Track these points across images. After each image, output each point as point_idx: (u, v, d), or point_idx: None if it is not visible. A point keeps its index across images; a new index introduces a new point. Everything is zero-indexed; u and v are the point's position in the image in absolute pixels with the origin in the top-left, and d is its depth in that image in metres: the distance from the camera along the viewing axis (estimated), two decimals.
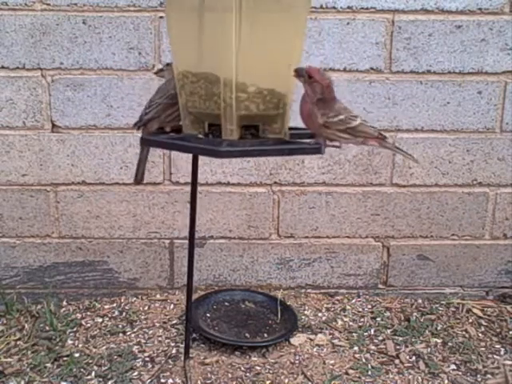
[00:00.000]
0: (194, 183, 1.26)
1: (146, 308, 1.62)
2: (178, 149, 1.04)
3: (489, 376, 1.35)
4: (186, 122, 1.02)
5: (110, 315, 1.58)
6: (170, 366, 1.36)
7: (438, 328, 1.54)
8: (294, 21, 0.99)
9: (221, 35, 0.92)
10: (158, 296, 1.67)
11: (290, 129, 1.07)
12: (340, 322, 1.56)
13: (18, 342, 1.45)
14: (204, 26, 0.95)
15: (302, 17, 1.01)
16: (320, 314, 1.60)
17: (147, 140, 1.07)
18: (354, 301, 1.68)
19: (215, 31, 0.93)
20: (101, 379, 1.31)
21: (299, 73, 0.98)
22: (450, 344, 1.47)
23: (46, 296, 1.61)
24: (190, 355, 1.37)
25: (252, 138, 0.99)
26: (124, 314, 1.59)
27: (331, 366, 1.37)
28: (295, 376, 1.34)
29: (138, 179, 1.14)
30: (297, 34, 1.01)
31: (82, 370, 1.34)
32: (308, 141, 1.05)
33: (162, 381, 1.31)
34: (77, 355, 1.39)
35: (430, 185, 1.64)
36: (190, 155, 1.25)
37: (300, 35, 1.02)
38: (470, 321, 1.58)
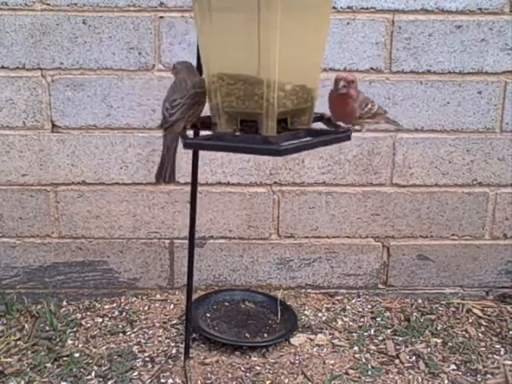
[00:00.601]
0: (194, 183, 1.26)
1: (146, 308, 1.62)
2: (235, 150, 1.05)
3: (489, 376, 1.35)
4: (220, 121, 1.04)
5: (109, 315, 1.58)
6: (170, 366, 1.36)
7: (438, 328, 1.54)
8: (321, 17, 1.03)
9: (262, 37, 0.94)
10: (158, 296, 1.67)
11: None
12: (340, 322, 1.56)
13: (18, 342, 1.45)
14: (241, 28, 0.96)
15: (328, 12, 1.07)
16: (320, 314, 1.60)
17: (196, 144, 1.08)
18: (354, 301, 1.67)
19: (253, 33, 0.94)
20: (101, 379, 1.31)
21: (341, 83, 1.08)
22: (450, 344, 1.47)
23: (46, 296, 1.61)
24: (190, 355, 1.37)
25: (284, 131, 1.02)
26: (124, 313, 1.59)
27: (331, 366, 1.37)
28: (295, 376, 1.34)
29: (166, 179, 1.12)
30: (323, 30, 1.06)
31: (81, 369, 1.34)
32: (335, 129, 1.11)
33: (162, 381, 1.31)
34: (77, 355, 1.40)
35: (430, 185, 1.64)
36: (190, 155, 1.25)
37: (326, 31, 1.08)
38: (470, 321, 1.58)
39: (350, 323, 1.56)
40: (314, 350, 1.44)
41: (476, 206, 1.65)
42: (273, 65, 0.94)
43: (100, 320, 1.56)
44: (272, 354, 1.42)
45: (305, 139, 1.02)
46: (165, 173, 1.07)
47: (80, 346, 1.44)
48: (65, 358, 1.38)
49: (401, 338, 1.49)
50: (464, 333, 1.52)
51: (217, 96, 1.02)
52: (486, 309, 1.64)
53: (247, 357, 1.41)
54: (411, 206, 1.65)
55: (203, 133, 1.10)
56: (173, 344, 1.45)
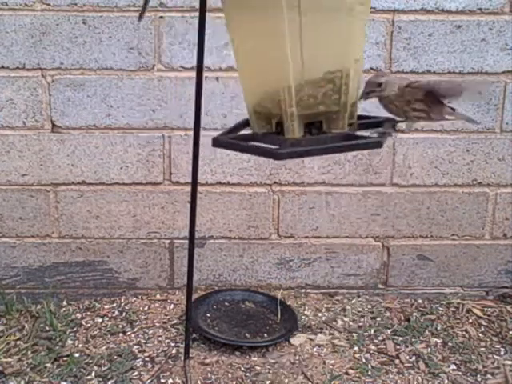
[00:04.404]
0: (194, 183, 1.26)
1: (146, 308, 1.62)
2: (240, 150, 1.03)
3: (489, 376, 1.35)
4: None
5: (110, 315, 1.58)
6: (170, 366, 1.36)
7: (438, 328, 1.54)
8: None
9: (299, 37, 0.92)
10: (158, 296, 1.67)
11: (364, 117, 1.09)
12: (340, 322, 1.56)
13: (18, 342, 1.45)
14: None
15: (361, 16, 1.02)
16: (320, 314, 1.60)
17: (226, 142, 1.04)
18: (354, 301, 1.68)
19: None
20: (101, 379, 1.31)
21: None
22: (450, 344, 1.47)
23: (46, 296, 1.61)
24: (190, 355, 1.38)
25: (317, 134, 1.00)
26: (124, 314, 1.59)
27: (331, 366, 1.37)
28: (295, 376, 1.34)
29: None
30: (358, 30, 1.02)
31: (81, 369, 1.34)
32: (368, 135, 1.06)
33: (162, 381, 1.31)
34: (77, 355, 1.40)
35: (430, 185, 1.64)
36: (190, 155, 1.25)
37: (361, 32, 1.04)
38: (470, 321, 1.58)
39: (350, 323, 1.56)
40: (314, 350, 1.44)
41: (476, 206, 1.65)
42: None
43: (100, 320, 1.56)
44: (272, 354, 1.42)
45: (319, 146, 0.98)
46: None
47: (80, 346, 1.44)
48: (65, 358, 1.38)
49: (401, 338, 1.49)
50: (464, 333, 1.52)
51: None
52: (485, 309, 1.64)
53: (247, 357, 1.41)
54: (411, 206, 1.65)
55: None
56: (173, 344, 1.45)
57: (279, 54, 0.93)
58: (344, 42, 0.95)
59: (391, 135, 1.07)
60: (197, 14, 1.15)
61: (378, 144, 0.98)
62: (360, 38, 1.02)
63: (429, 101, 1.02)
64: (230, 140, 1.04)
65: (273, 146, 0.97)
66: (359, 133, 1.03)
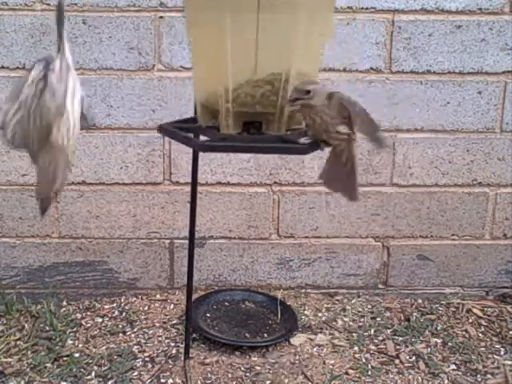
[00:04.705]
0: (194, 183, 1.26)
1: (146, 308, 1.62)
2: (260, 151, 1.08)
3: (489, 376, 1.35)
4: (227, 123, 1.05)
5: (110, 315, 1.58)
6: (170, 366, 1.36)
7: (438, 328, 1.54)
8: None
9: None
10: (158, 296, 1.67)
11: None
12: (340, 322, 1.56)
13: (18, 342, 1.45)
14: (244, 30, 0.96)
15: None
16: (320, 314, 1.60)
17: (211, 147, 1.06)
18: (354, 301, 1.68)
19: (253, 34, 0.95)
20: (101, 379, 1.31)
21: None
22: (450, 344, 1.47)
23: (46, 296, 1.61)
24: (190, 355, 1.37)
25: (254, 134, 1.02)
26: (124, 314, 1.59)
27: (331, 366, 1.37)
28: (295, 376, 1.34)
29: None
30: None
31: (81, 369, 1.34)
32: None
33: (162, 381, 1.31)
34: (77, 355, 1.39)
35: (430, 185, 1.64)
36: (190, 155, 1.25)
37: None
38: (470, 321, 1.58)
39: (350, 323, 1.56)
40: (314, 350, 1.44)
41: (476, 206, 1.65)
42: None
43: (100, 320, 1.56)
44: (272, 354, 1.42)
45: (245, 144, 1.00)
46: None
47: (80, 346, 1.44)
48: (65, 358, 1.38)
49: (401, 338, 1.49)
50: (464, 333, 1.52)
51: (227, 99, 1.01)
52: (485, 309, 1.64)
53: (247, 357, 1.41)
54: (411, 206, 1.65)
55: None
56: (173, 344, 1.45)
57: (221, 53, 0.96)
58: (287, 46, 0.97)
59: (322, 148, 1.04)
60: None
61: (302, 151, 1.00)
62: (309, 46, 1.02)
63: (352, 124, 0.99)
64: (171, 128, 1.07)
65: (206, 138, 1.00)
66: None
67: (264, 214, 1.64)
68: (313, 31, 0.99)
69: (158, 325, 1.54)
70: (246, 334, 1.48)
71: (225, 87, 0.97)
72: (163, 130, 1.07)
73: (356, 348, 1.45)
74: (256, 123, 1.01)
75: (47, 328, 1.50)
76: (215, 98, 0.99)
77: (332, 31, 1.09)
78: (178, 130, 1.04)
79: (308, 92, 0.96)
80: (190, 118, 1.14)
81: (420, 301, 1.68)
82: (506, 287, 1.70)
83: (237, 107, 0.99)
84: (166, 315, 1.58)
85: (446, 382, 1.33)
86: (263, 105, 0.99)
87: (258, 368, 1.36)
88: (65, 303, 1.64)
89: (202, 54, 1.03)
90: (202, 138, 1.05)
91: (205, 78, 1.04)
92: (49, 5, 1.49)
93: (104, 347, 1.43)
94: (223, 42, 0.94)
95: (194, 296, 1.53)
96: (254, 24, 0.94)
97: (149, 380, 1.31)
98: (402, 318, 1.59)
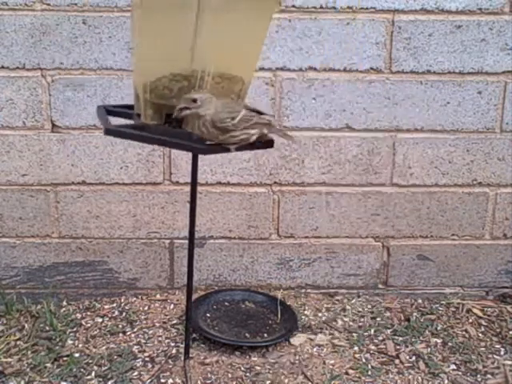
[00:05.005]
0: (194, 183, 1.26)
1: (146, 308, 1.62)
2: (156, 143, 1.10)
3: (489, 376, 1.35)
4: (146, 113, 1.09)
5: (110, 315, 1.58)
6: (170, 366, 1.36)
7: (438, 328, 1.54)
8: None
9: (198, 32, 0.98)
10: (158, 296, 1.67)
11: None
12: (340, 322, 1.56)
13: (18, 342, 1.45)
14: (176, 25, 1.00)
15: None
16: (320, 314, 1.60)
17: (117, 131, 1.10)
18: (353, 301, 1.68)
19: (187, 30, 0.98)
20: (101, 379, 1.31)
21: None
22: (450, 344, 1.47)
23: (46, 296, 1.61)
24: (190, 355, 1.37)
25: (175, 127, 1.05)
26: (124, 314, 1.59)
27: (331, 366, 1.38)
28: (295, 376, 1.34)
29: None
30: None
31: (81, 369, 1.34)
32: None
33: (162, 381, 1.31)
34: (77, 355, 1.39)
35: (430, 185, 1.64)
36: (190, 155, 1.25)
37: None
38: (470, 321, 1.58)
39: (350, 323, 1.56)
40: (314, 350, 1.44)
41: (476, 206, 1.65)
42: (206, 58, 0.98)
43: (100, 320, 1.56)
44: (272, 354, 1.42)
45: (151, 135, 1.05)
46: None
47: (80, 346, 1.44)
48: (65, 358, 1.38)
49: (401, 338, 1.49)
50: (464, 333, 1.52)
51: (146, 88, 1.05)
52: (485, 309, 1.64)
53: (247, 357, 1.41)
54: (411, 206, 1.65)
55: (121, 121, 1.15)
56: (173, 344, 1.45)
57: (141, 45, 1.03)
58: (206, 44, 0.99)
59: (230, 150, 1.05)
60: None
61: (201, 151, 1.05)
62: (233, 45, 1.03)
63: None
64: (101, 110, 1.15)
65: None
66: None
67: (264, 214, 1.64)
68: (242, 33, 1.01)
69: (158, 325, 1.54)
70: (246, 334, 1.48)
71: (144, 78, 1.02)
72: (99, 111, 1.15)
73: (356, 348, 1.45)
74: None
75: (47, 328, 1.50)
76: (138, 88, 1.04)
77: (264, 37, 1.10)
78: (105, 113, 1.12)
79: (195, 100, 0.96)
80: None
81: (420, 301, 1.68)
82: (506, 287, 1.70)
83: (155, 98, 1.03)
84: (166, 315, 1.58)
85: (446, 382, 1.33)
86: (179, 99, 1.00)
87: (258, 368, 1.36)
88: (65, 303, 1.64)
89: (133, 46, 1.10)
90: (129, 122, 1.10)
91: (135, 70, 1.10)
92: (49, 5, 1.49)
93: (104, 347, 1.43)
94: (140, 34, 1.01)
95: (194, 296, 1.53)
96: (178, 21, 0.99)
97: (149, 380, 1.31)
98: (402, 318, 1.59)
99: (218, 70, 1.01)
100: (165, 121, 1.06)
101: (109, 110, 1.19)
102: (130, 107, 1.17)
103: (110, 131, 1.04)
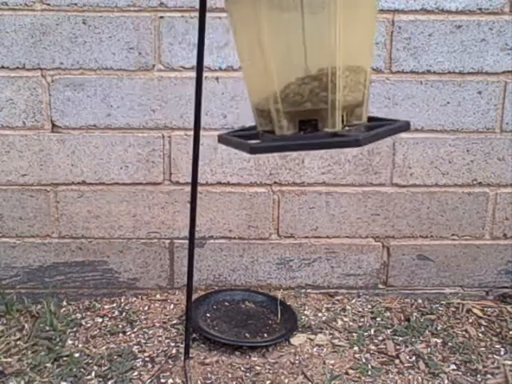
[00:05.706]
0: (194, 183, 1.26)
1: (146, 308, 1.62)
2: (312, 148, 1.06)
3: (489, 376, 1.35)
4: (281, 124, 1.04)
5: (110, 315, 1.58)
6: (170, 366, 1.36)
7: (438, 328, 1.54)
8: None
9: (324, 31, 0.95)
10: (158, 296, 1.67)
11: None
12: (340, 322, 1.56)
13: (18, 342, 1.45)
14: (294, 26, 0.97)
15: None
16: (320, 314, 1.60)
17: (263, 148, 1.04)
18: (354, 301, 1.68)
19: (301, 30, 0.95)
20: (101, 379, 1.31)
21: None
22: (450, 344, 1.47)
23: (46, 296, 1.61)
24: (190, 355, 1.38)
25: (310, 132, 1.01)
26: (124, 314, 1.59)
27: (331, 366, 1.38)
28: (295, 376, 1.34)
29: None
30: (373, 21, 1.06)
31: (81, 369, 1.34)
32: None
33: (162, 381, 1.31)
34: (77, 355, 1.40)
35: (430, 185, 1.64)
36: (190, 155, 1.25)
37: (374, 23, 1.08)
38: (470, 321, 1.58)
39: (350, 323, 1.56)
40: (314, 350, 1.44)
41: (476, 206, 1.65)
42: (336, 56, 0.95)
43: (100, 320, 1.56)
44: (272, 354, 1.42)
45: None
46: None
47: (80, 346, 1.44)
48: (65, 358, 1.38)
49: (401, 338, 1.49)
50: (464, 333, 1.52)
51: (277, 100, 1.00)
52: (485, 309, 1.64)
53: (247, 357, 1.41)
54: (411, 206, 1.65)
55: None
56: (173, 344, 1.45)
57: (263, 55, 0.96)
58: (330, 39, 0.96)
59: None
60: (197, 14, 1.15)
61: (355, 143, 0.95)
62: (354, 36, 1.02)
63: None
64: (227, 136, 1.06)
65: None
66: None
67: (264, 214, 1.64)
68: (356, 26, 0.98)
69: (158, 325, 1.54)
70: (246, 334, 1.48)
71: (271, 89, 0.96)
72: (221, 139, 1.06)
73: (356, 348, 1.45)
74: (312, 121, 0.99)
75: (47, 328, 1.50)
76: (266, 101, 0.99)
77: (375, 26, 1.10)
78: (234, 138, 1.03)
79: None
80: (252, 126, 1.12)
81: (420, 301, 1.68)
82: (506, 287, 1.70)
83: (287, 107, 0.98)
84: (166, 315, 1.58)
85: (446, 382, 1.33)
86: (313, 102, 0.97)
87: (258, 368, 1.36)
88: (65, 303, 1.64)
89: (247, 57, 1.03)
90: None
91: (254, 83, 1.04)
92: (49, 5, 1.49)
93: (104, 347, 1.43)
94: (263, 44, 0.94)
95: (194, 296, 1.53)
96: (294, 23, 0.94)
97: (149, 380, 1.31)
98: (402, 318, 1.59)
99: (344, 63, 0.97)
100: (299, 128, 1.01)
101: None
102: (244, 130, 1.13)
103: (256, 149, 1.00)
